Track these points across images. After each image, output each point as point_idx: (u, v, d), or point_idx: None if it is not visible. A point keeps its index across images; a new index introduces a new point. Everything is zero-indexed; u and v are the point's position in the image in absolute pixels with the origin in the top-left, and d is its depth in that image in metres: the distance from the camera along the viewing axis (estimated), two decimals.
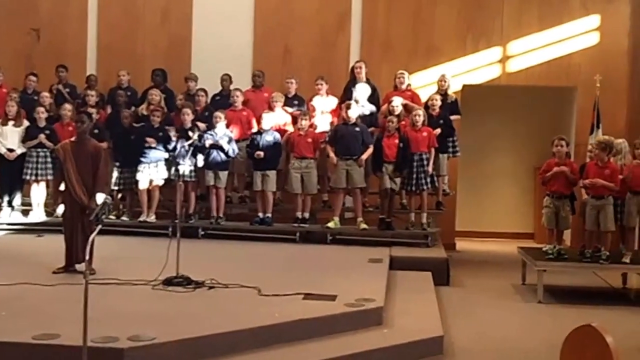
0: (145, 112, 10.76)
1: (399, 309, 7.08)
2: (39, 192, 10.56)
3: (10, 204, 10.66)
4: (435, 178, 10.41)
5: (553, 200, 8.87)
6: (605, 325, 6.55)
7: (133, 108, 10.98)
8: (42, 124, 10.57)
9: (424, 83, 11.63)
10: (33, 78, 11.50)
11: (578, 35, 11.70)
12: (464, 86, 11.77)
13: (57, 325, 5.40)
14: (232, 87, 11.21)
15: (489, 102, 12.86)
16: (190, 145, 8.72)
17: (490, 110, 13.03)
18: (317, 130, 10.51)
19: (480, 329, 7.16)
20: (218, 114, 10.27)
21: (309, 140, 10.21)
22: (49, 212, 10.34)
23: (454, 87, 11.35)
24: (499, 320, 7.62)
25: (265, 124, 10.30)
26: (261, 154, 10.15)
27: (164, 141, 10.27)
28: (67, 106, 10.70)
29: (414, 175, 10.02)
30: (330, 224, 10.10)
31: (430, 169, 10.13)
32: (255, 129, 10.54)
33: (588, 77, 11.25)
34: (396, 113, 10.15)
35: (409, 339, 6.22)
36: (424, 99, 10.90)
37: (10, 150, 10.54)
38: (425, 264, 9.11)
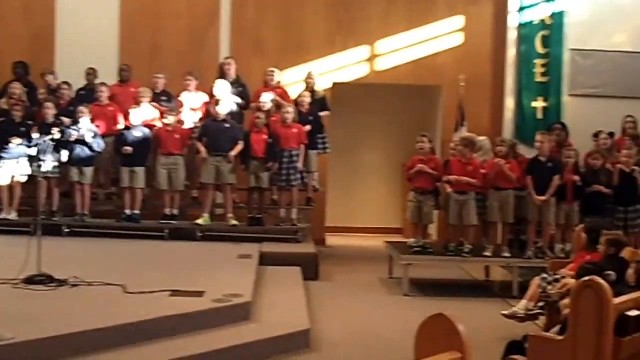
0: (5, 107, 10.32)
1: (268, 304, 7.15)
2: None
3: None
4: (305, 174, 10.54)
5: (417, 195, 9.18)
6: (467, 316, 6.82)
7: None
8: None
9: (294, 80, 11.71)
10: None
11: (443, 35, 12.09)
12: (334, 84, 11.95)
13: None
14: (97, 81, 10.90)
15: (359, 100, 13.13)
16: (52, 140, 8.42)
17: (359, 108, 13.30)
18: (186, 126, 10.40)
19: (347, 322, 7.33)
20: (82, 108, 9.98)
21: (177, 136, 10.09)
22: None
23: (324, 85, 11.54)
24: (366, 313, 7.82)
25: (133, 120, 10.10)
26: (129, 149, 9.95)
27: (26, 136, 9.86)
28: None
29: (284, 172, 10.12)
30: (200, 221, 10.03)
31: (300, 165, 10.25)
32: (122, 125, 10.31)
33: (453, 76, 11.65)
34: (265, 109, 10.20)
35: (276, 333, 6.31)
36: (294, 96, 11.00)
37: None
38: (295, 260, 9.20)
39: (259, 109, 10.35)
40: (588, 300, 4.44)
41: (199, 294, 6.68)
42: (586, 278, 4.56)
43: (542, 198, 8.92)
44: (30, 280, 6.71)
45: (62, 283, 6.76)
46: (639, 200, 9.09)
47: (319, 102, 10.98)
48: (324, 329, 6.88)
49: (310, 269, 9.14)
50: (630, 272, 5.27)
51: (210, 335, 6.05)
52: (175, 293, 6.68)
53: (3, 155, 9.84)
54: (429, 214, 9.24)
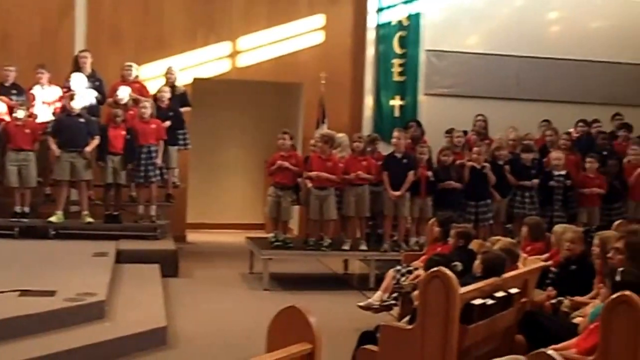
0: None
1: (123, 302, 7.05)
2: None
3: None
4: (165, 170, 10.40)
5: (276, 190, 9.28)
6: (325, 308, 6.98)
7: None
8: None
9: (153, 75, 11.50)
10: None
11: (304, 33, 12.22)
12: (195, 79, 11.83)
13: None
14: None
15: (221, 96, 13.09)
16: None
17: (221, 104, 13.26)
18: (39, 121, 9.99)
19: (205, 318, 7.34)
20: None
21: (27, 131, 9.67)
22: None
23: (185, 80, 11.40)
24: (225, 309, 7.85)
25: None
26: None
27: None
28: None
29: (142, 168, 9.93)
30: (53, 218, 9.67)
31: (159, 161, 10.09)
32: None
33: (314, 74, 11.81)
34: (122, 103, 9.98)
35: (131, 331, 6.26)
36: (153, 91, 10.81)
37: None
38: (153, 257, 9.08)
39: (116, 104, 10.10)
40: (435, 290, 4.58)
41: (50, 293, 6.51)
42: (434, 269, 4.71)
43: (397, 193, 9.21)
44: None
45: None
46: (489, 195, 9.56)
47: (179, 98, 10.86)
48: (181, 326, 6.86)
49: (170, 266, 9.05)
50: (477, 262, 5.45)
51: (62, 335, 5.93)
52: (25, 293, 6.47)
53: None
54: (287, 209, 9.34)
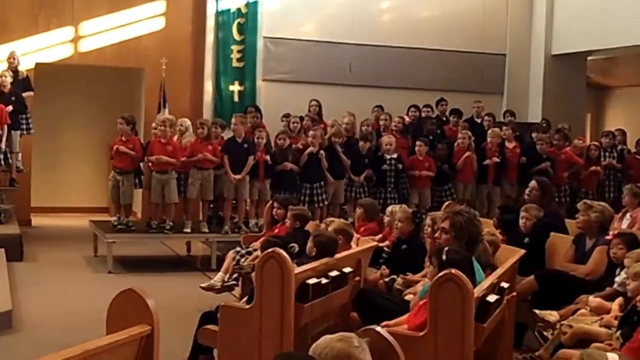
0: None
1: None
2: None
3: None
4: (9, 155, 10.45)
5: (116, 175, 9.62)
6: (168, 289, 7.19)
7: None
8: None
9: None
10: None
11: (146, 19, 12.41)
12: (37, 64, 11.84)
13: None
14: None
15: (63, 80, 13.14)
16: None
17: (64, 88, 13.31)
18: None
19: (51, 302, 7.55)
20: None
21: None
22: None
23: (26, 65, 11.41)
24: (70, 292, 8.08)
25: None
26: None
27: None
28: None
29: None
30: None
31: (2, 145, 10.15)
32: None
33: (155, 59, 12.06)
34: None
35: None
36: None
37: None
38: None
39: None
40: (271, 270, 4.68)
41: None
42: (269, 250, 4.85)
43: (238, 177, 9.64)
44: None
45: None
46: (323, 178, 10.18)
47: (21, 82, 10.90)
48: (26, 310, 7.07)
49: (14, 250, 9.19)
50: (310, 244, 5.58)
51: None
52: None
53: None
54: (126, 193, 9.60)
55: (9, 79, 10.61)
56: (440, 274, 4.18)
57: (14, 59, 10.98)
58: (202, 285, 7.34)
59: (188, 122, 10.51)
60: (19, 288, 7.78)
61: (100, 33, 12.24)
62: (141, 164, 9.92)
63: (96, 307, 7.08)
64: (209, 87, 12.58)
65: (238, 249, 7.40)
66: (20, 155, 10.98)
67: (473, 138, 11.31)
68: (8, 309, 6.69)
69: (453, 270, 4.14)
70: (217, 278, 7.29)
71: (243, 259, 7.07)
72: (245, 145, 9.84)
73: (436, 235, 5.31)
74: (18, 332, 6.55)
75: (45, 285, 8.28)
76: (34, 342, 6.29)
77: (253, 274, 5.53)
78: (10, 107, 10.41)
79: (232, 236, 9.48)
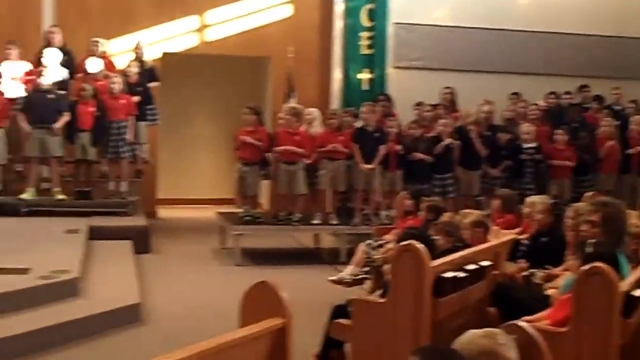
0: None
1: (97, 279, 7.10)
2: None
3: None
4: (135, 146, 10.40)
5: (242, 166, 9.36)
6: (296, 282, 7.04)
7: None
8: None
9: (121, 50, 11.47)
10: None
11: (272, 7, 12.20)
12: (164, 54, 11.80)
13: None
14: None
15: (189, 70, 13.07)
16: None
17: (190, 78, 13.24)
18: (8, 97, 9.94)
19: (178, 294, 7.40)
20: None
21: None
22: None
23: (153, 55, 11.39)
24: (197, 284, 7.92)
25: None
26: None
27: None
28: None
29: (113, 144, 9.94)
30: (24, 195, 9.68)
31: (129, 137, 10.10)
32: None
33: (281, 48, 11.80)
34: (94, 73, 10.02)
35: (105, 308, 6.31)
36: (121, 66, 10.80)
37: None
38: (125, 233, 9.12)
39: (86, 75, 10.09)
40: (406, 263, 4.56)
41: (24, 270, 6.54)
42: (405, 242, 4.68)
43: (369, 166, 9.29)
44: None
45: None
46: (453, 168, 9.71)
47: (147, 73, 10.86)
48: (154, 302, 6.93)
49: (142, 242, 9.10)
50: (443, 236, 5.43)
51: (37, 313, 5.96)
52: None
53: None
54: (252, 185, 9.43)
55: (136, 69, 10.59)
56: (586, 267, 4.05)
57: (140, 49, 10.95)
58: (331, 278, 7.14)
59: (316, 112, 10.17)
60: (147, 280, 7.68)
61: (226, 22, 12.12)
62: (266, 155, 9.60)
63: (224, 300, 6.93)
64: (336, 75, 12.21)
65: (369, 241, 7.17)
66: (146, 146, 10.93)
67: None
68: (136, 302, 6.53)
69: (599, 264, 4.00)
70: (347, 271, 7.08)
71: (374, 252, 6.85)
72: (377, 135, 9.50)
73: (583, 227, 5.14)
74: (146, 325, 6.42)
75: (172, 277, 8.13)
76: (162, 335, 6.14)
77: (384, 267, 5.68)
78: (136, 98, 10.37)
79: (361, 228, 9.15)
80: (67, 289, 6.45)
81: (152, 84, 10.84)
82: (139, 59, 10.86)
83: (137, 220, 9.76)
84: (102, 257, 8.04)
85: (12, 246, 7.72)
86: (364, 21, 12.18)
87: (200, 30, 12.08)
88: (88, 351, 5.72)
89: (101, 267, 7.59)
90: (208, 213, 11.43)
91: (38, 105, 9.66)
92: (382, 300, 4.74)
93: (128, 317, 6.37)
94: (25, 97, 9.92)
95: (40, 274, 6.45)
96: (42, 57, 10.17)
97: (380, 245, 6.88)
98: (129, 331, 6.18)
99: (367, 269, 6.87)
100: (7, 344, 5.41)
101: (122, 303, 6.47)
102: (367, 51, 12.18)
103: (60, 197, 9.80)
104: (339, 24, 12.22)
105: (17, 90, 10.13)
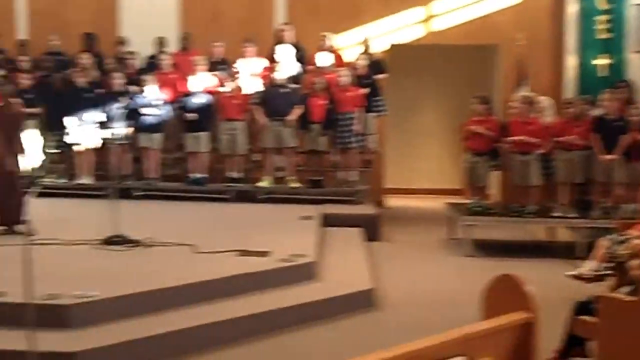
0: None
1: (331, 264, 7.32)
2: None
3: None
4: (363, 137, 10.63)
5: (471, 157, 9.23)
6: (530, 276, 6.79)
7: (64, 72, 10.87)
8: None
9: (350, 43, 11.76)
10: None
11: None
12: (391, 46, 11.95)
13: (2, 284, 5.52)
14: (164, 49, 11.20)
15: (416, 61, 13.08)
16: (122, 108, 8.79)
17: (416, 69, 13.27)
18: (245, 92, 10.56)
19: (410, 282, 7.44)
20: (148, 77, 10.29)
21: (236, 102, 10.30)
22: None
23: (380, 47, 11.56)
24: (428, 273, 7.93)
25: (192, 87, 10.33)
26: (191, 116, 10.21)
27: (92, 103, 10.24)
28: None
29: (342, 134, 10.24)
30: (262, 183, 10.28)
31: (357, 127, 10.34)
32: (186, 91, 10.56)
33: (510, 34, 11.50)
34: (324, 66, 10.38)
35: (340, 292, 6.48)
36: (349, 60, 11.07)
37: None
38: (355, 221, 9.33)
39: (318, 69, 10.45)
40: None
41: (265, 253, 6.90)
42: None
43: (611, 157, 8.82)
44: (108, 241, 7.10)
45: (137, 243, 7.11)
46: None
47: (375, 65, 11.02)
48: (387, 289, 7.01)
49: (372, 230, 9.27)
50: None
51: (277, 294, 6.27)
52: (243, 253, 6.91)
53: (75, 122, 10.20)
54: (482, 176, 9.27)
55: (364, 62, 10.79)
56: None
57: (367, 42, 11.16)
58: (570, 273, 6.74)
59: (546, 101, 9.82)
60: (378, 268, 7.78)
61: (452, 11, 12.00)
62: (498, 145, 9.40)
63: (458, 291, 6.96)
64: (570, 61, 11.64)
65: (612, 236, 6.68)
66: (374, 136, 11.12)
67: None
68: (369, 288, 6.67)
69: None
70: (587, 266, 6.64)
71: (618, 247, 6.34)
72: (617, 123, 8.97)
73: None
74: (379, 310, 6.53)
75: (402, 265, 8.19)
76: (397, 321, 6.21)
77: (630, 263, 5.24)
78: (365, 90, 10.57)
79: (601, 222, 8.62)
80: (305, 272, 6.72)
81: (379, 76, 11.00)
82: (366, 52, 11.08)
83: (367, 209, 9.96)
84: (334, 243, 8.30)
85: (252, 230, 8.20)
86: (600, 4, 11.53)
87: (426, 20, 12.07)
88: (325, 333, 5.91)
89: (335, 252, 7.83)
90: (434, 203, 11.42)
91: (273, 99, 10.19)
92: (633, 298, 4.48)
93: (362, 302, 6.51)
94: (262, 91, 10.51)
95: (280, 257, 6.78)
96: (275, 53, 10.71)
97: (625, 240, 6.36)
98: (363, 316, 6.31)
99: (609, 264, 6.44)
100: (250, 321, 5.76)
101: (357, 288, 6.64)
102: (604, 35, 11.50)
103: (294, 185, 10.28)
104: (572, 8, 11.66)
105: (254, 86, 10.75)
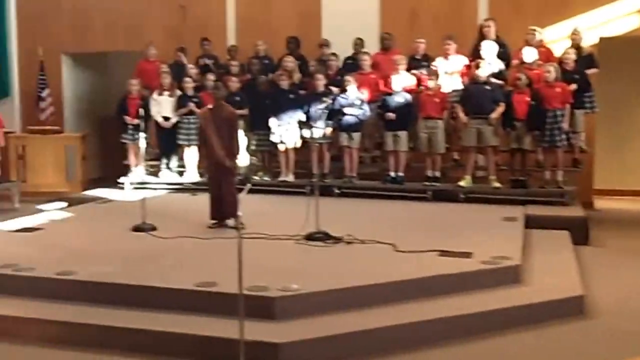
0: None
1: (537, 267, 7.00)
2: (191, 155, 11.28)
3: (167, 166, 11.55)
4: (571, 135, 10.16)
5: None
6: None
7: (270, 75, 11.32)
8: (190, 93, 11.24)
9: (556, 38, 11.27)
10: (181, 52, 12.27)
11: None
12: (601, 39, 11.30)
13: (215, 275, 5.85)
14: (363, 50, 11.33)
15: (628, 55, 12.30)
16: (324, 108, 8.99)
17: (629, 63, 12.46)
18: (445, 90, 10.40)
19: (624, 291, 6.91)
20: (348, 77, 10.43)
21: (436, 100, 10.16)
22: (201, 173, 11.12)
23: (589, 40, 10.98)
24: None
25: (395, 86, 10.33)
26: (392, 116, 10.21)
27: (295, 104, 10.55)
28: (211, 76, 11.30)
29: (548, 132, 9.81)
30: (462, 183, 10.06)
31: (565, 125, 9.87)
32: (385, 90, 10.59)
33: None
34: (529, 62, 10.06)
35: (548, 297, 6.17)
36: (557, 54, 10.60)
37: (166, 119, 11.29)
38: (562, 223, 8.90)
39: (521, 64, 10.11)
40: None
41: (467, 254, 6.74)
42: None
43: None
44: (310, 237, 7.30)
45: (337, 240, 7.24)
46: None
47: (585, 59, 10.52)
48: (598, 296, 6.58)
49: (579, 234, 8.77)
50: None
51: (481, 296, 6.08)
52: (444, 253, 6.80)
53: (279, 123, 10.60)
54: None
55: (573, 57, 10.34)
56: None
57: (576, 35, 10.67)
58: None
59: None
60: (588, 273, 7.31)
61: None
62: None
63: None
64: None
65: None
66: (583, 134, 10.59)
67: None
68: (579, 294, 6.28)
69: None
70: None
71: None
72: None
73: None
74: (589, 319, 6.11)
75: (614, 272, 7.63)
76: (607, 332, 5.81)
77: None
78: (574, 86, 10.13)
79: None
80: (509, 276, 6.46)
81: (590, 71, 10.46)
82: (575, 46, 10.56)
83: (575, 211, 9.46)
84: (540, 246, 7.94)
85: (453, 231, 8.05)
86: None
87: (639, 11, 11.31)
88: (529, 339, 5.65)
89: (540, 256, 7.48)
90: None
91: (475, 96, 9.94)
92: None
93: (571, 309, 6.14)
94: (463, 89, 10.31)
95: (482, 259, 6.58)
96: (478, 50, 10.45)
97: None
98: (571, 324, 5.96)
99: None
100: (450, 323, 5.62)
101: (565, 294, 6.28)
102: None
103: (496, 185, 9.97)
104: None
105: (454, 83, 10.57)
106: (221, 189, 7.98)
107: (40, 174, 12.91)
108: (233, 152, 8.04)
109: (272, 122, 10.66)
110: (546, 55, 10.52)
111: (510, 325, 5.81)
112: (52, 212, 9.93)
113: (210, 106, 8.33)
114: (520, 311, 5.95)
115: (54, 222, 8.88)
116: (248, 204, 7.78)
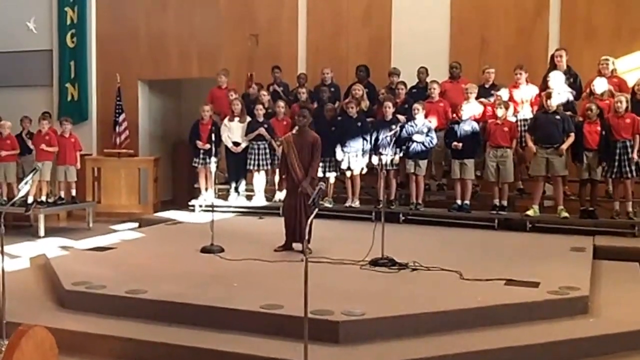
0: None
1: (606, 298, 6.87)
2: (260, 180, 11.55)
3: (236, 190, 11.80)
4: None
5: None
6: None
7: (337, 102, 11.50)
8: (261, 119, 11.48)
9: (629, 68, 11.12)
10: (255, 84, 12.60)
11: None
12: None
13: (280, 297, 5.95)
14: (428, 79, 11.40)
15: None
16: (392, 135, 9.10)
17: None
18: (515, 119, 10.39)
19: None
20: (417, 105, 10.50)
21: (505, 129, 10.15)
22: (269, 197, 11.40)
23: None
24: None
25: (464, 114, 10.36)
26: (459, 145, 10.23)
27: (363, 132, 10.67)
28: (281, 103, 11.60)
29: (617, 163, 9.67)
30: (530, 212, 9.98)
31: (635, 156, 9.71)
32: (453, 119, 10.62)
33: None
34: (599, 94, 9.89)
35: (618, 329, 6.05)
36: (630, 84, 10.47)
37: (236, 144, 11.55)
38: (632, 254, 8.72)
39: (592, 95, 10.05)
40: None
41: (534, 284, 6.68)
42: None
43: None
44: (375, 263, 7.35)
45: (403, 266, 7.28)
46: None
47: None
48: None
49: None
50: None
51: (547, 327, 6.01)
52: (510, 282, 6.76)
53: (344, 149, 10.73)
54: None
55: None
56: None
57: None
58: None
59: None
60: None
61: None
62: None
63: None
64: None
65: None
66: None
67: None
68: None
69: None
70: None
71: None
72: None
73: None
74: None
75: None
76: None
77: None
78: None
79: None
80: (577, 306, 6.37)
81: None
82: None
83: None
84: (609, 277, 7.79)
85: (521, 260, 7.98)
86: None
87: None
88: None
89: (609, 287, 7.34)
90: None
91: (544, 125, 9.88)
92: None
93: None
94: (532, 118, 10.26)
95: (550, 289, 6.51)
96: (548, 80, 10.41)
97: None
98: None
99: None
100: (517, 353, 5.56)
101: (634, 326, 6.14)
102: None
103: (564, 215, 9.86)
104: None
105: (524, 112, 10.54)
106: (297, 214, 8.12)
107: (114, 196, 13.34)
108: (313, 177, 8.18)
109: (338, 149, 10.79)
110: (619, 85, 10.39)
111: (577, 357, 5.72)
112: (124, 232, 10.26)
113: (294, 131, 8.51)
114: (588, 343, 5.86)
115: (125, 242, 9.15)
116: (315, 229, 7.94)
